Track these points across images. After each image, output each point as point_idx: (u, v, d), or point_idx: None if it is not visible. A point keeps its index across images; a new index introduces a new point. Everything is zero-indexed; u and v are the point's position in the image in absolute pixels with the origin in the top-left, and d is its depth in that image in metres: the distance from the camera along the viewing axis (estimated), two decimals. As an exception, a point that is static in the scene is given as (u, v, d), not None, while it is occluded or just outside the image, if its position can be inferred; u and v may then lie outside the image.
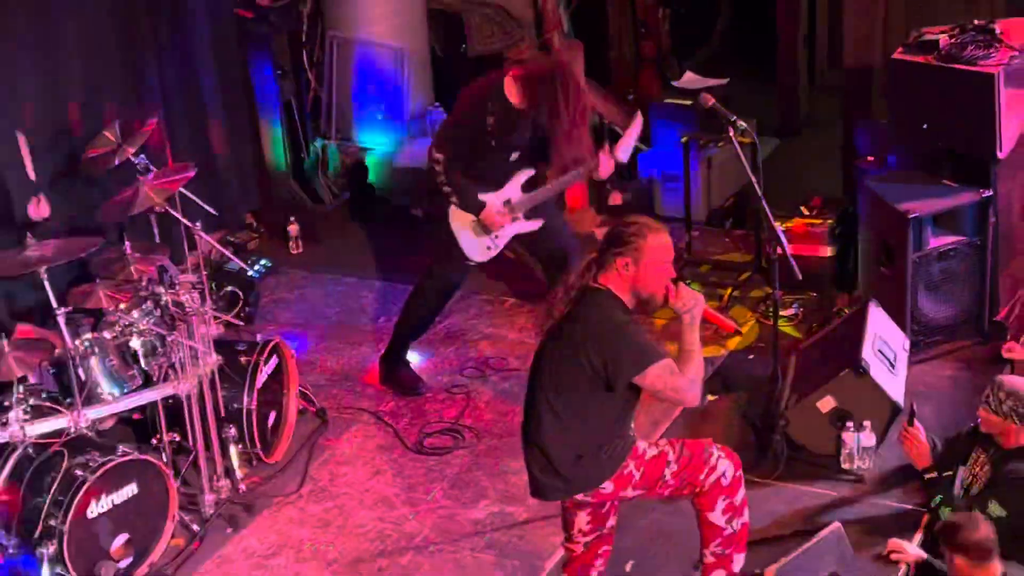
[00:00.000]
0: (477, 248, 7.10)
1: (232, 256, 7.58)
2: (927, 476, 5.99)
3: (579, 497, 5.11)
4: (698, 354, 4.95)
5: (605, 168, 7.03)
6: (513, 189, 7.06)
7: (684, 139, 8.61)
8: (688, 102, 8.62)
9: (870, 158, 7.70)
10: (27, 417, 6.06)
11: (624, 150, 7.04)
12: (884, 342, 6.74)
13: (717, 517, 5.09)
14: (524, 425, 5.15)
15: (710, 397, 7.13)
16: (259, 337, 7.02)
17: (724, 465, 5.07)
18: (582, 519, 5.24)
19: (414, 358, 7.60)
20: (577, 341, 4.91)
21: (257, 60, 8.98)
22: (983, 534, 4.71)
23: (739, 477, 5.12)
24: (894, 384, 6.60)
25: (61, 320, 6.13)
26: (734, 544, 5.15)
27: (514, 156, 7.05)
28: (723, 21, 11.43)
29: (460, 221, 7.00)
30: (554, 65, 7.13)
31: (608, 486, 5.02)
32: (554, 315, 5.04)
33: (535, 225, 7.15)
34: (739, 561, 5.17)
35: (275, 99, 9.14)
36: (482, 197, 6.96)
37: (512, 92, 6.88)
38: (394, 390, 7.46)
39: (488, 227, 7.01)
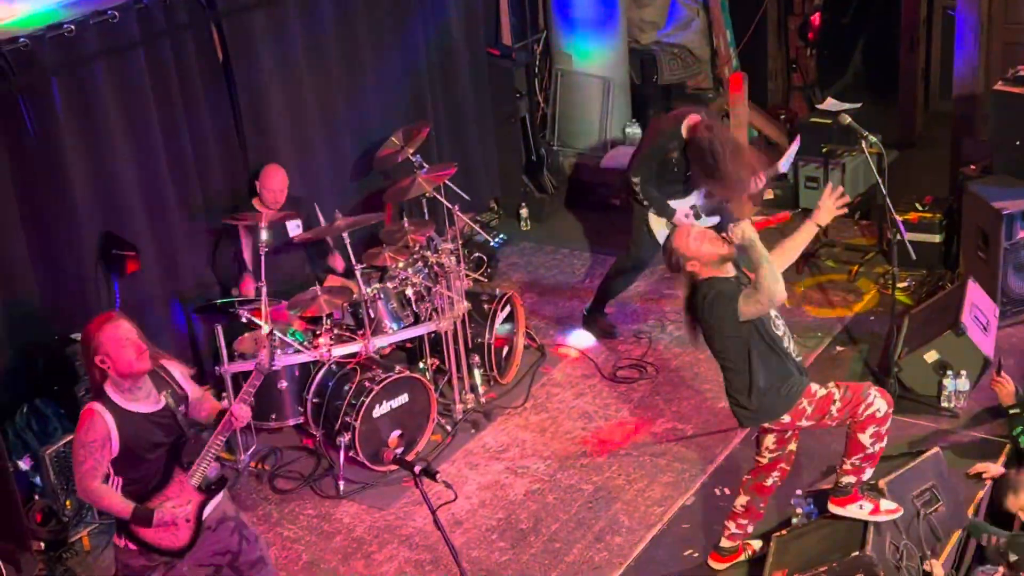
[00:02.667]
0: None
1: (480, 230, 7.63)
2: (1010, 412, 5.76)
3: (766, 424, 5.03)
4: (765, 265, 4.64)
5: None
6: (698, 197, 6.84)
7: (824, 149, 8.38)
8: (828, 121, 8.37)
9: (972, 166, 7.39)
10: (332, 342, 6.25)
11: (784, 163, 6.82)
12: (979, 309, 6.50)
13: (865, 439, 4.88)
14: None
15: (839, 348, 6.98)
16: (497, 291, 7.08)
17: (879, 402, 4.86)
18: (769, 440, 5.15)
19: (611, 310, 7.57)
20: (704, 309, 4.82)
21: (501, 85, 9.03)
22: None
23: (889, 413, 4.91)
24: (986, 342, 6.37)
25: (358, 273, 6.31)
26: (870, 460, 4.96)
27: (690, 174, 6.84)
28: (857, 59, 11.05)
29: (657, 224, 6.87)
30: (713, 140, 6.39)
31: (786, 417, 4.91)
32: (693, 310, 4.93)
33: (713, 222, 6.88)
34: (868, 473, 5.02)
35: (513, 114, 9.17)
36: (672, 204, 6.81)
37: (687, 134, 6.61)
38: (595, 333, 7.47)
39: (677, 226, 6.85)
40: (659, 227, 6.89)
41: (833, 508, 5.09)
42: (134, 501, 4.30)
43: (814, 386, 4.91)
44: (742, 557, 5.41)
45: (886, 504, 5.03)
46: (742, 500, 5.31)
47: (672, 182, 6.78)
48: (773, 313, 4.87)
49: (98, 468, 4.22)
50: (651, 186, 6.75)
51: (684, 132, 6.55)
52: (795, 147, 6.92)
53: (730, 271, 4.86)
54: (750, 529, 5.37)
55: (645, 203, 6.81)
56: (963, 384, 6.23)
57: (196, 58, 6.65)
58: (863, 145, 6.36)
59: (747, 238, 4.69)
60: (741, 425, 5.18)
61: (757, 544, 5.43)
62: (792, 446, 5.20)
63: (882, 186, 6.32)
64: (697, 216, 6.85)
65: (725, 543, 5.39)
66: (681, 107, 7.04)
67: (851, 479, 5.01)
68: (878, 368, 6.63)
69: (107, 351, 4.20)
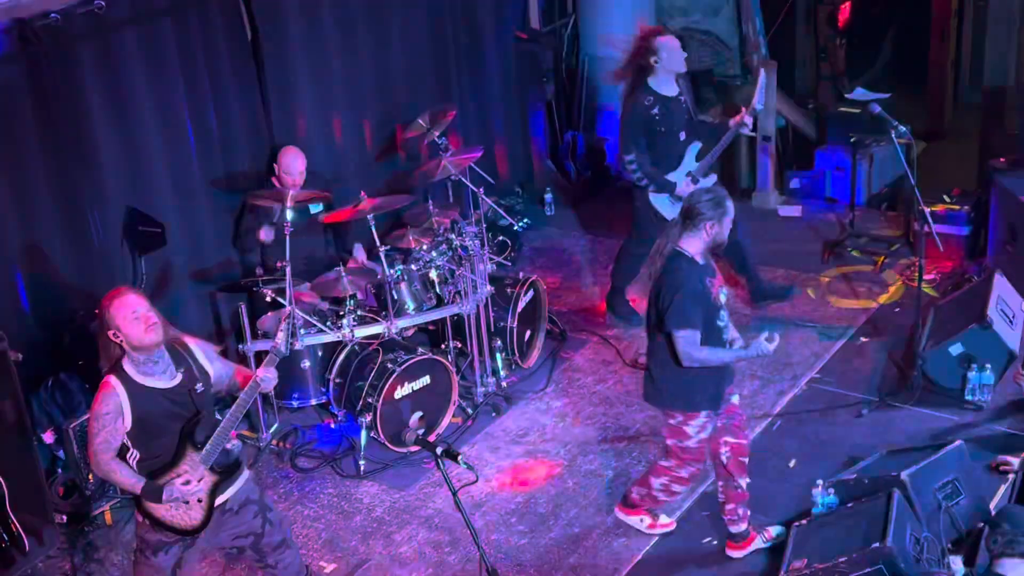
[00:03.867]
0: (675, 210, 6.69)
1: (504, 214, 7.64)
2: (1036, 407, 5.75)
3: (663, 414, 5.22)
4: (729, 357, 4.95)
5: (747, 122, 6.68)
6: (689, 162, 6.81)
7: (852, 139, 8.33)
8: (857, 110, 8.32)
9: (1002, 159, 7.33)
10: (355, 323, 6.26)
11: (757, 100, 6.69)
12: (1005, 303, 6.46)
13: (656, 481, 5.34)
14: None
15: (863, 339, 6.94)
16: (520, 275, 7.07)
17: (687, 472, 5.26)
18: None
19: (633, 296, 7.53)
20: (658, 294, 4.96)
21: (528, 70, 9.01)
22: None
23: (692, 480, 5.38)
24: (1011, 336, 6.33)
25: (382, 255, 6.29)
26: (653, 500, 5.44)
27: (682, 136, 6.78)
28: (887, 48, 10.97)
29: (661, 203, 6.81)
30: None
31: (678, 417, 5.09)
32: (654, 273, 5.01)
33: (712, 180, 6.81)
34: (657, 502, 5.46)
35: (540, 99, 9.15)
36: (670, 178, 6.76)
37: (657, 84, 6.66)
38: (615, 319, 7.44)
39: (681, 198, 6.70)
40: (664, 206, 6.82)
41: (618, 513, 5.53)
42: (148, 477, 4.34)
43: (701, 418, 5.06)
44: (759, 542, 5.39)
45: (663, 519, 5.49)
46: (719, 484, 5.38)
47: (664, 151, 6.72)
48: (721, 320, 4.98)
49: (111, 441, 4.27)
50: (646, 161, 6.71)
51: (652, 80, 6.64)
52: (762, 80, 6.80)
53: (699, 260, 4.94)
54: (742, 511, 5.33)
55: (643, 183, 6.75)
56: (987, 377, 6.18)
57: (225, 36, 6.66)
58: (892, 135, 6.32)
59: None
60: (644, 398, 5.31)
61: (775, 530, 5.42)
62: (719, 422, 5.19)
63: (910, 177, 6.27)
64: (695, 181, 6.79)
65: (733, 530, 5.39)
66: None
67: (641, 492, 5.37)
68: (902, 360, 6.59)
69: (117, 324, 4.24)
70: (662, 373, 5.06)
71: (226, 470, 4.49)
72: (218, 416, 4.47)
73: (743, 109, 6.70)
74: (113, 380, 4.26)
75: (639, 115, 6.71)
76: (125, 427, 4.28)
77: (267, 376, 4.42)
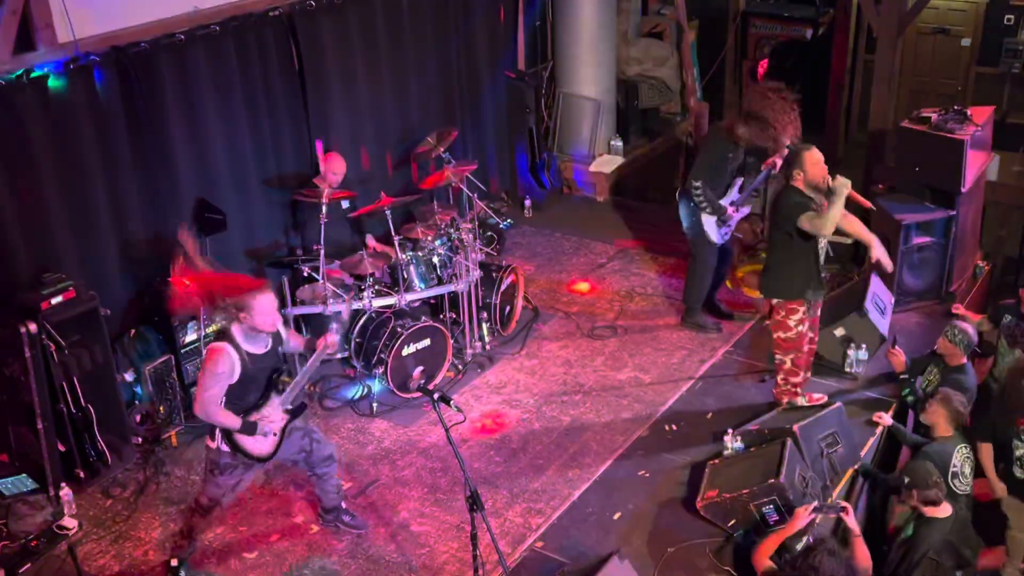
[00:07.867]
0: (719, 235, 6.62)
1: (492, 214, 7.64)
2: (901, 377, 5.81)
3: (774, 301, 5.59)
4: (834, 210, 5.15)
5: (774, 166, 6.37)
6: (734, 194, 6.56)
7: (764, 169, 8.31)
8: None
9: (881, 186, 7.39)
10: (373, 295, 6.26)
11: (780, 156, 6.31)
12: (879, 298, 6.52)
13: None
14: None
15: (768, 322, 6.92)
16: (504, 263, 7.06)
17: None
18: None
19: (583, 288, 7.55)
20: (781, 208, 5.38)
21: (515, 102, 8.97)
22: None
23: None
24: (882, 323, 6.39)
25: (396, 242, 6.30)
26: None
27: (733, 172, 6.50)
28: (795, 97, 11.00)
29: (709, 221, 6.54)
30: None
31: (776, 301, 5.57)
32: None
33: (746, 211, 6.67)
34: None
35: (523, 125, 9.13)
36: (722, 203, 6.50)
37: (738, 137, 6.29)
38: (706, 327, 6.90)
39: (726, 220, 6.56)
40: (711, 225, 6.55)
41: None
42: (238, 415, 4.46)
43: (803, 307, 5.50)
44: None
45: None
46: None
47: (720, 184, 6.46)
48: (822, 243, 5.41)
49: (220, 395, 4.37)
50: (708, 189, 6.41)
51: (733, 133, 6.29)
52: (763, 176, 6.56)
53: (807, 192, 5.29)
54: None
55: (703, 205, 6.42)
56: (863, 355, 6.25)
57: (277, 64, 6.62)
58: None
59: (840, 186, 5.14)
60: (762, 293, 5.73)
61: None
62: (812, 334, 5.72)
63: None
64: (737, 209, 6.60)
65: None
66: (727, 120, 6.55)
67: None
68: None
69: (252, 312, 4.30)
70: (772, 274, 5.51)
71: (295, 412, 4.62)
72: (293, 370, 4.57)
73: (771, 158, 6.37)
74: (228, 347, 4.33)
75: (718, 159, 6.40)
76: (231, 382, 4.36)
77: (334, 340, 4.56)
